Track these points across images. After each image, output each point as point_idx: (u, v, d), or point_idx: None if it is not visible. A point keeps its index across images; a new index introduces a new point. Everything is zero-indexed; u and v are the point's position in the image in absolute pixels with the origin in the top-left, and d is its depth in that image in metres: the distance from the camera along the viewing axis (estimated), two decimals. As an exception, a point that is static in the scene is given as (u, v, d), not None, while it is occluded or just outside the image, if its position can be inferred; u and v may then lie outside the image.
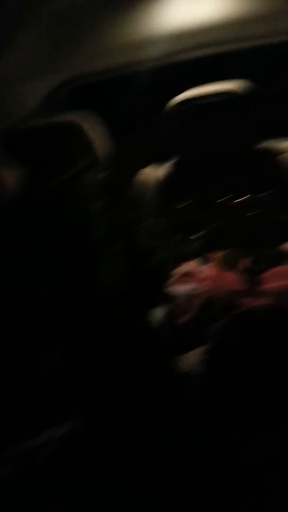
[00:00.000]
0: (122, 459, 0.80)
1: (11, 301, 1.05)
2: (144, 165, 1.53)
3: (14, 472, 0.82)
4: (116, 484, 0.78)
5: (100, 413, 0.84)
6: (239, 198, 1.50)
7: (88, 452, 0.81)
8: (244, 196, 1.49)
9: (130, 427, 0.81)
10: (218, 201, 1.46)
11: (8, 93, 1.22)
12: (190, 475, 0.78)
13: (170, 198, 1.47)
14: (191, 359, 1.17)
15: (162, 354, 1.09)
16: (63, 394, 0.89)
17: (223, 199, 1.47)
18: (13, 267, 1.06)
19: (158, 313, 1.40)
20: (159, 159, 1.62)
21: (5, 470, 0.82)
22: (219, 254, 1.49)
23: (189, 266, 1.48)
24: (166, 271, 1.41)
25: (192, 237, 1.52)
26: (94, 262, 1.11)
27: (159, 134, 1.51)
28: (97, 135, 1.34)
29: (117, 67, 1.23)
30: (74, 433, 0.83)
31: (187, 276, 1.47)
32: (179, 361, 1.17)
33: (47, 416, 0.87)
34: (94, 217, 1.01)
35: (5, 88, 1.19)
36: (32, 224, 1.12)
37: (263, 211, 1.50)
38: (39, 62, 1.13)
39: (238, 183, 1.49)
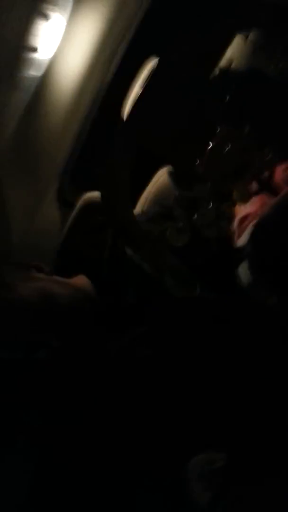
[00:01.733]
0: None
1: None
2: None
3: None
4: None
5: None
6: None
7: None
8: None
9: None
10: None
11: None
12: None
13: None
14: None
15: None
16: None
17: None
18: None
19: (244, 269, 1.57)
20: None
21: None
22: (234, 196, 1.58)
23: (235, 219, 1.58)
24: (225, 239, 1.62)
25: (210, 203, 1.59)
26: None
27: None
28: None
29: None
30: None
31: (242, 223, 1.57)
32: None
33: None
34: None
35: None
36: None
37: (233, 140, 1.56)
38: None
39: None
